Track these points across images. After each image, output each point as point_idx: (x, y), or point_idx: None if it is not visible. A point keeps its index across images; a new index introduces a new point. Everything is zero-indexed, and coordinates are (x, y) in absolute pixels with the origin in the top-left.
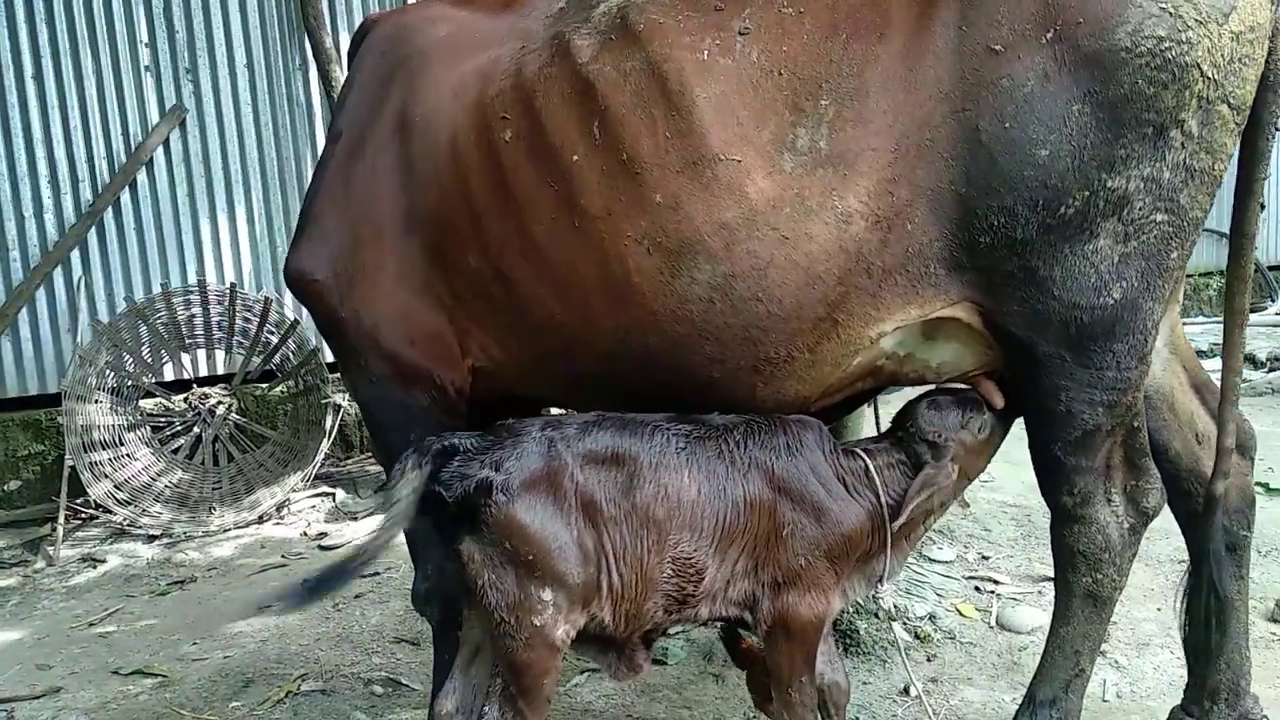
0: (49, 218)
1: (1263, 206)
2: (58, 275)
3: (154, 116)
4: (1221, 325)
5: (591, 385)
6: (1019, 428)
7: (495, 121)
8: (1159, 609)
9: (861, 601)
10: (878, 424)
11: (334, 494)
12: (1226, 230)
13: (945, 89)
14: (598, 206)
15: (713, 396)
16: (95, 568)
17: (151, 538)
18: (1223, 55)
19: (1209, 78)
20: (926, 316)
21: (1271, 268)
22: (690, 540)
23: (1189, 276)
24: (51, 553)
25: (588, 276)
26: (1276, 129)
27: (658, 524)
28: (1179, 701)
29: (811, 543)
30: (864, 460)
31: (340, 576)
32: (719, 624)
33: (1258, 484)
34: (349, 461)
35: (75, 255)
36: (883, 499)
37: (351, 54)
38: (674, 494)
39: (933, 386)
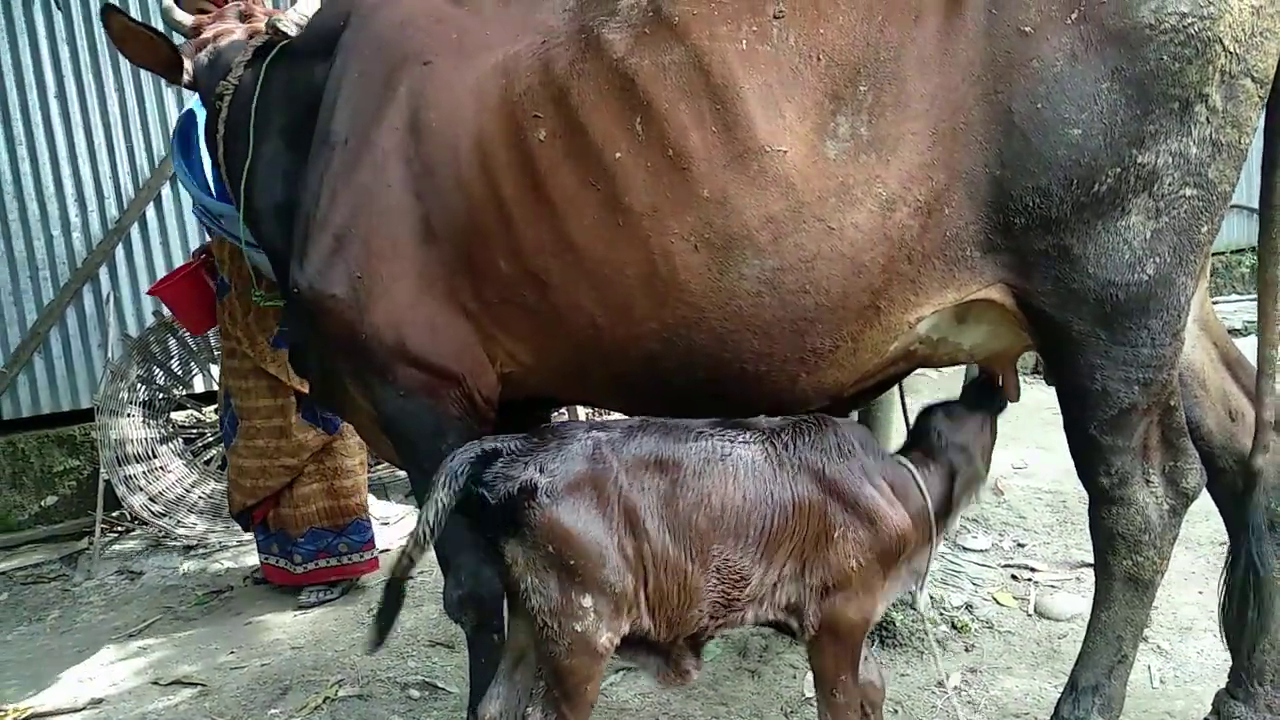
0: (76, 235)
1: None
2: (87, 292)
3: None
4: (1255, 303)
5: (629, 385)
6: (1054, 412)
7: (526, 121)
8: (1200, 592)
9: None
10: (904, 407)
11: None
12: (1256, 206)
13: (978, 72)
14: (643, 204)
15: (755, 390)
16: (133, 580)
17: (187, 549)
18: (1244, 29)
19: (1231, 52)
20: (963, 299)
21: None
22: (735, 547)
23: (1220, 254)
24: (89, 566)
25: (631, 276)
26: None
27: (701, 534)
28: (1223, 685)
29: (863, 545)
30: (909, 469)
31: (391, 600)
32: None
33: None
34: (380, 467)
35: (104, 271)
36: (929, 505)
37: (319, 45)
38: (718, 502)
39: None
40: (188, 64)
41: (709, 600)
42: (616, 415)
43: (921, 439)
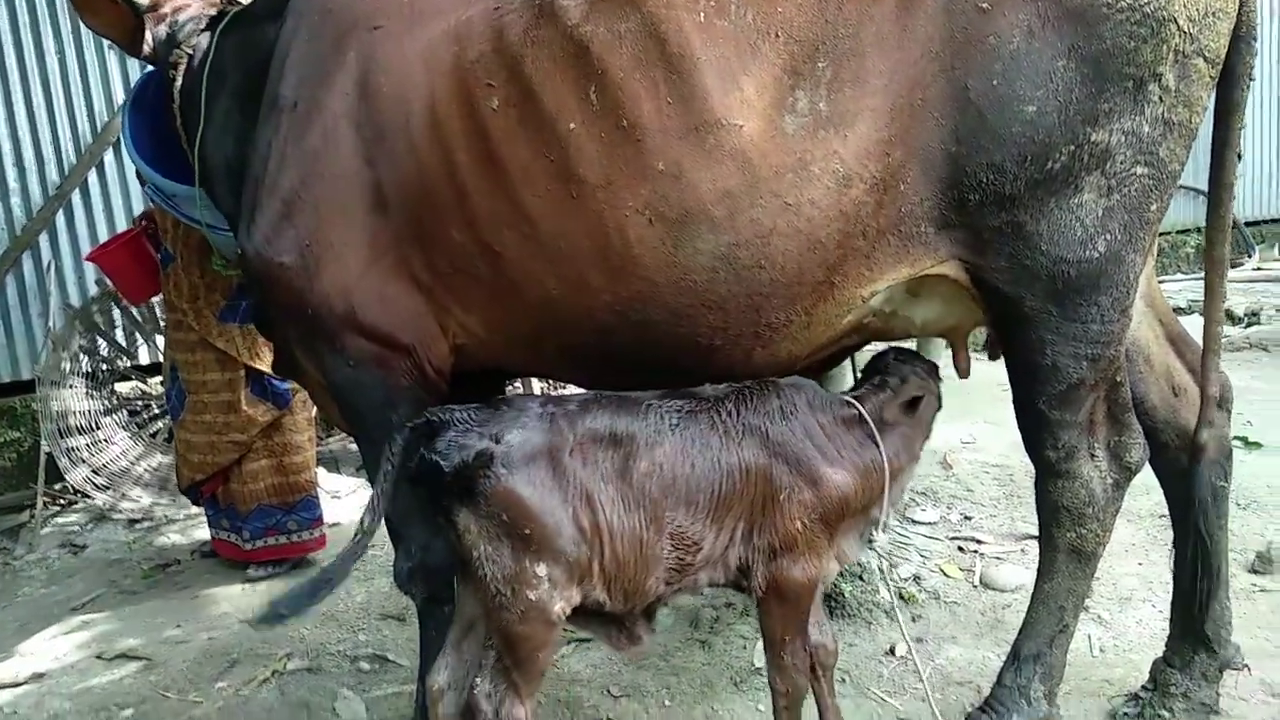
0: (15, 201)
1: (1240, 156)
2: (26, 260)
3: (119, 95)
4: (1199, 282)
5: (583, 358)
6: (1002, 388)
7: (479, 89)
8: (1140, 564)
9: (847, 565)
10: (855, 376)
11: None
12: (1202, 186)
13: (936, 48)
14: (596, 176)
15: (710, 364)
16: (76, 554)
17: (132, 522)
18: (1197, 9)
19: (1185, 31)
20: (916, 275)
21: (1248, 223)
22: (687, 514)
23: (1166, 234)
24: (31, 540)
25: (585, 249)
26: (1251, 80)
27: (655, 502)
28: (1161, 654)
29: (807, 506)
30: (857, 408)
31: (323, 586)
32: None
33: (1236, 438)
34: (330, 440)
35: (44, 239)
36: (880, 443)
37: (270, 7)
38: (669, 471)
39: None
40: (149, 35)
41: (664, 566)
42: (572, 388)
43: (872, 377)
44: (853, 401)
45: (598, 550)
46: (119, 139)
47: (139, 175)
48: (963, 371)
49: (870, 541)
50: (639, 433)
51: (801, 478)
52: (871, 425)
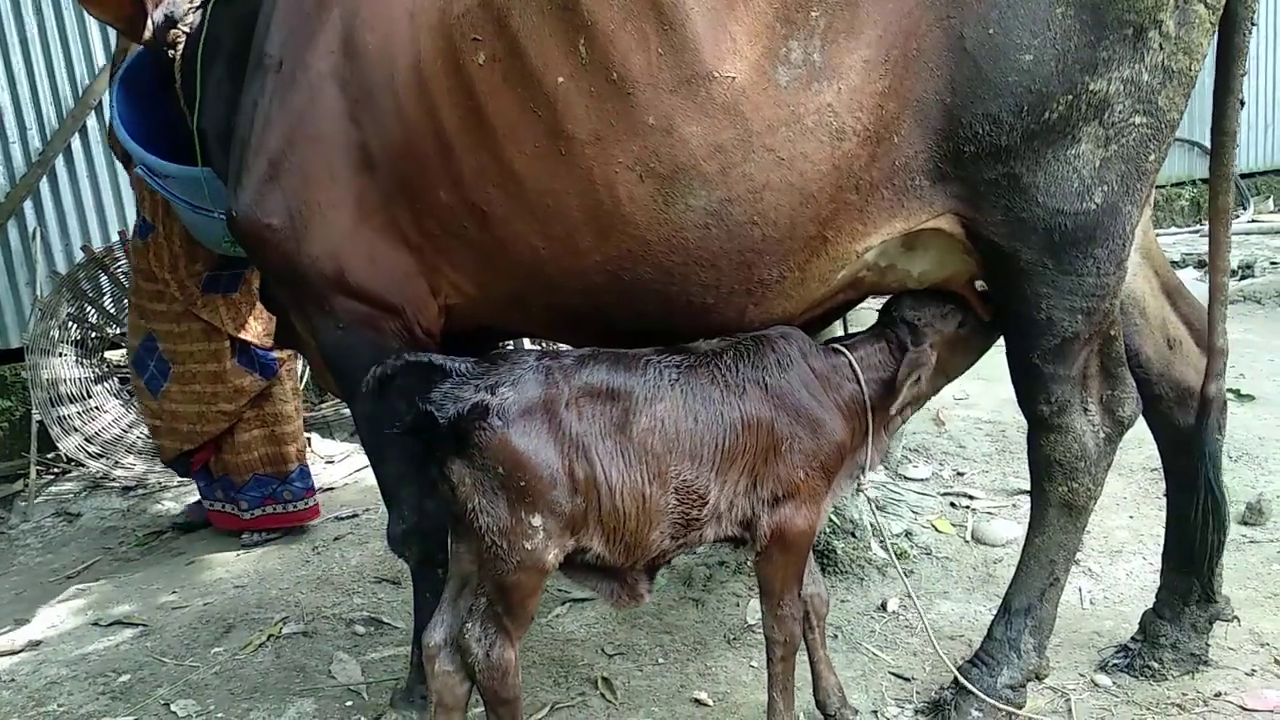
0: None
1: (1242, 103)
2: (11, 227)
3: (100, 58)
4: (1194, 235)
5: (575, 318)
6: (995, 344)
7: (465, 44)
8: (1131, 517)
9: (839, 522)
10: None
11: (309, 438)
12: (1196, 138)
13: None
14: (586, 131)
15: (703, 323)
16: (71, 522)
17: (126, 489)
18: None
19: None
20: (911, 229)
21: (1243, 175)
22: (692, 468)
23: (1161, 187)
24: (25, 509)
25: (574, 207)
26: (1253, 25)
27: (657, 457)
28: (1150, 606)
29: (809, 454)
30: (846, 355)
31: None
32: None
33: (1228, 390)
34: (324, 405)
35: (28, 206)
36: (865, 390)
37: None
38: (671, 425)
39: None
40: (149, 19)
41: (669, 521)
42: (565, 348)
43: (878, 321)
44: (842, 349)
45: (594, 503)
46: (101, 102)
47: (115, 147)
48: (984, 314)
49: (859, 489)
50: (637, 388)
51: (802, 427)
52: (859, 373)
